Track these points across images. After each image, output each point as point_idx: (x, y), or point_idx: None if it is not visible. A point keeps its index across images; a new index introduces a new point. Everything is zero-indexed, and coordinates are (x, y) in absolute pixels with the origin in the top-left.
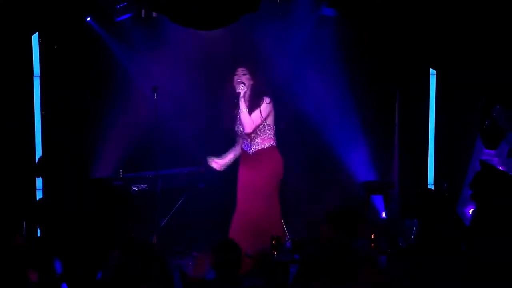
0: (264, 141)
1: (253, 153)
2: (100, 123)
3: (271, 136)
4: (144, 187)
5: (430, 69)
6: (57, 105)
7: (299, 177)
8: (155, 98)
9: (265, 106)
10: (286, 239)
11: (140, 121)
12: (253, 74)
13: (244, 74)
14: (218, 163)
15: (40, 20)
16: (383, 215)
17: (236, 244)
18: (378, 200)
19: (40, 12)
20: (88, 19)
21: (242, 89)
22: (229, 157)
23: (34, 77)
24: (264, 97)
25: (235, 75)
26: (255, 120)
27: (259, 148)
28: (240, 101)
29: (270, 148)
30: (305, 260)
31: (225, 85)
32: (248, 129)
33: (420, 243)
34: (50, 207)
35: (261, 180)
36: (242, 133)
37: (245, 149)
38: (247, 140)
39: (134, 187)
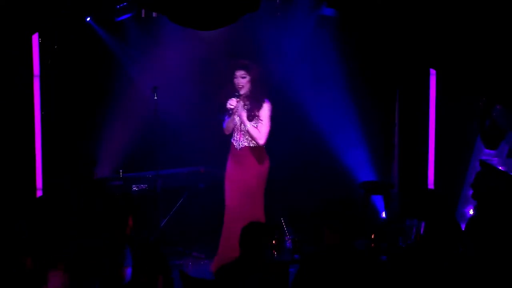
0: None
1: (239, 149)
2: (100, 123)
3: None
4: (144, 187)
5: (430, 69)
6: (57, 105)
7: (299, 177)
8: (155, 98)
9: (267, 111)
10: (286, 239)
11: (140, 121)
12: (252, 76)
13: (243, 78)
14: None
15: (40, 20)
16: (383, 215)
17: (269, 227)
18: (378, 200)
19: (40, 12)
20: (88, 19)
21: (237, 102)
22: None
23: (34, 77)
24: (265, 102)
25: (234, 78)
26: (265, 130)
27: (246, 144)
28: (241, 115)
29: (257, 146)
30: (305, 260)
31: (224, 89)
32: (262, 140)
33: (420, 243)
34: (50, 205)
35: (247, 177)
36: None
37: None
38: (237, 135)
39: (134, 187)
